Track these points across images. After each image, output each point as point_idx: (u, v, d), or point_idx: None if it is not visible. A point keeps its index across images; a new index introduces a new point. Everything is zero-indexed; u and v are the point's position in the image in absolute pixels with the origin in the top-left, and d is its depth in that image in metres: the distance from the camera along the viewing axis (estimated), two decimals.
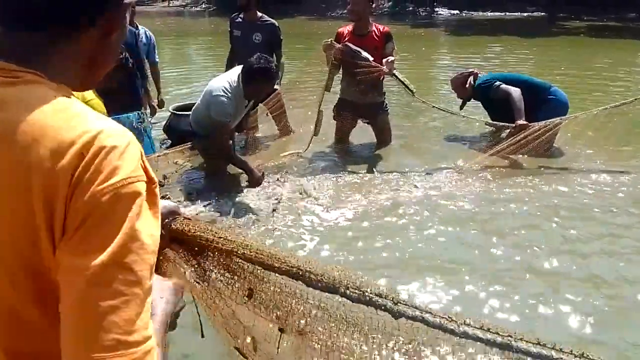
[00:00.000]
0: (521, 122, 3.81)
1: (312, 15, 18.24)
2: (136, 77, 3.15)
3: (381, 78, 3.84)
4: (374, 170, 3.77)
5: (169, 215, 1.00)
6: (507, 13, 17.04)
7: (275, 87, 4.15)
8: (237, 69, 3.38)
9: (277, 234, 2.85)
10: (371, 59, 3.71)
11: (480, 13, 17.60)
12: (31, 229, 0.56)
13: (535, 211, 3.11)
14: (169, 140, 4.18)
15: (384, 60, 3.70)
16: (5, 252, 0.58)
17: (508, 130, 3.98)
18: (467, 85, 4.32)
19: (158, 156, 3.28)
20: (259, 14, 4.16)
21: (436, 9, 18.97)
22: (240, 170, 3.48)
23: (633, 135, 4.34)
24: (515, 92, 3.98)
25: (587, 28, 13.81)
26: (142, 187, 0.59)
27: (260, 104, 4.09)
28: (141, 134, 3.04)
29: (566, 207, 3.16)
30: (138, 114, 3.08)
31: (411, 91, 3.86)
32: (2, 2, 0.62)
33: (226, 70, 3.86)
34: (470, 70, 4.43)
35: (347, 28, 3.97)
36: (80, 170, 0.56)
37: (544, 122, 3.74)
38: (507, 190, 3.42)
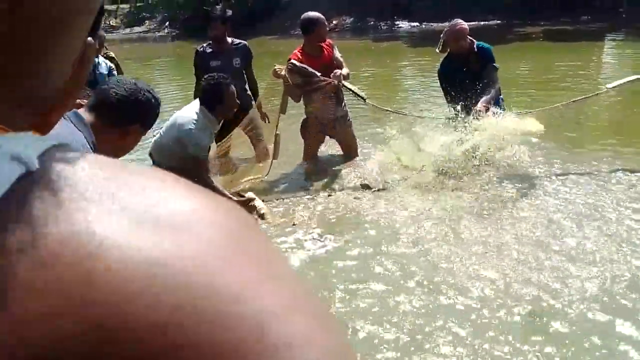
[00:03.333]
0: (482, 106, 3.75)
1: (275, 34, 18.37)
2: None
3: (341, 91, 3.93)
4: (343, 187, 3.78)
5: None
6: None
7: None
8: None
9: None
10: (318, 74, 3.76)
11: (440, 24, 18.00)
12: None
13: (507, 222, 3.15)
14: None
15: (332, 74, 3.78)
16: None
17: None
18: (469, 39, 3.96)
19: None
20: (229, 38, 4.16)
21: (396, 22, 19.37)
22: None
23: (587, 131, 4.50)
24: (499, 87, 4.00)
25: (544, 33, 14.31)
26: None
27: (238, 130, 4.03)
28: None
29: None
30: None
31: (362, 98, 3.97)
32: None
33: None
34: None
35: (298, 52, 3.98)
36: None
37: (497, 111, 3.84)
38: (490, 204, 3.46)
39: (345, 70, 3.90)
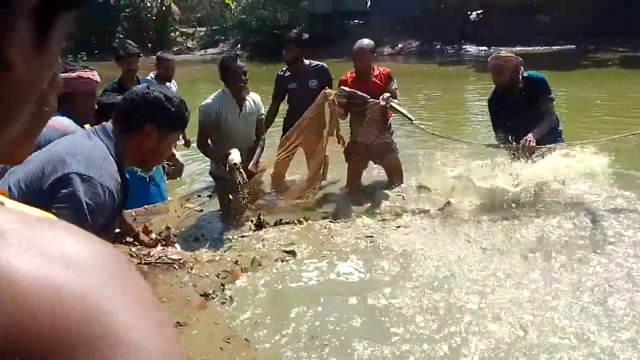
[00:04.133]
0: (531, 139, 3.62)
1: (341, 57, 18.71)
2: None
3: (388, 116, 3.98)
4: (386, 212, 3.80)
5: None
6: (536, 47, 16.97)
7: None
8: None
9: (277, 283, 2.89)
10: (368, 97, 3.85)
11: (509, 48, 17.55)
12: None
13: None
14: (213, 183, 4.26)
15: (380, 97, 3.84)
16: None
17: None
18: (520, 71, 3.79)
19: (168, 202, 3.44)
20: (306, 61, 4.30)
21: (464, 46, 19.09)
22: (250, 216, 3.64)
23: None
24: (553, 118, 3.86)
25: (619, 59, 13.57)
26: None
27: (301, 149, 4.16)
28: (146, 184, 3.16)
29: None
30: None
31: (410, 119, 3.98)
32: None
33: (285, 129, 4.20)
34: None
35: (349, 74, 4.11)
36: None
37: (550, 145, 3.69)
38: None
39: (396, 101, 3.93)
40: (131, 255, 2.59)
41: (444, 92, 10.33)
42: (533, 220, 3.50)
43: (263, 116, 3.81)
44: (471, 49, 18.76)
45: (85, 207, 1.37)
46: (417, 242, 3.29)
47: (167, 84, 4.65)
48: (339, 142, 4.24)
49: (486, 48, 18.33)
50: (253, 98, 3.76)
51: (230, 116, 3.62)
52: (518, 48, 17.55)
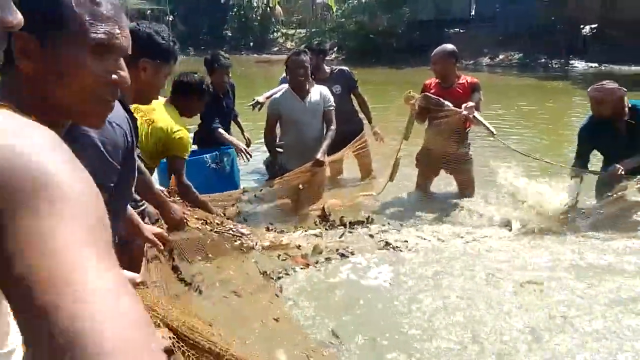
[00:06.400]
0: (620, 168, 3.39)
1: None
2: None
3: (466, 127, 3.91)
4: (452, 221, 3.78)
5: None
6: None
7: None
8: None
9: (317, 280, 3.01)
10: (451, 105, 3.80)
11: (625, 67, 16.19)
12: None
13: None
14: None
15: (463, 105, 3.74)
16: None
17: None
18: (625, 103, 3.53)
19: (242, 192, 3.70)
20: (327, 68, 4.45)
21: (571, 62, 17.88)
22: (314, 210, 3.80)
23: None
24: None
25: None
26: None
27: (348, 150, 4.28)
28: (216, 174, 3.40)
29: None
30: (216, 154, 3.50)
31: (492, 132, 3.85)
32: None
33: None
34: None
35: (434, 80, 4.09)
36: None
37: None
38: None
39: (477, 113, 3.84)
40: (205, 222, 2.87)
41: (539, 107, 9.77)
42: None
43: (332, 107, 3.90)
44: (579, 64, 17.52)
45: (100, 144, 1.42)
46: (479, 254, 3.26)
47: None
48: (377, 140, 4.51)
49: (596, 65, 17.03)
50: (320, 90, 3.93)
51: (294, 108, 3.84)
52: (634, 67, 16.11)
